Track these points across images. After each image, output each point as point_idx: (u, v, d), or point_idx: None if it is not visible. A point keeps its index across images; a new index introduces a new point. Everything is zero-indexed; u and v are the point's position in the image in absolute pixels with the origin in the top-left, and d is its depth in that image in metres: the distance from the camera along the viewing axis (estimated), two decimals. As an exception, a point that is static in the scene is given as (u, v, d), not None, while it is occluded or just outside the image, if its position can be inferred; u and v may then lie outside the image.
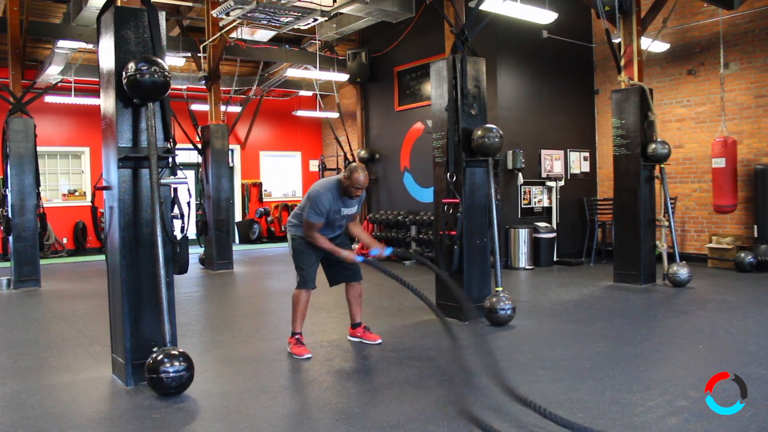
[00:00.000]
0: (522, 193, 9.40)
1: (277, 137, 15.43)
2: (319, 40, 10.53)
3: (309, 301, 4.58)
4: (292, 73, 11.77)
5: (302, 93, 14.45)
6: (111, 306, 4.01)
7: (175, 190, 4.03)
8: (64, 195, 12.84)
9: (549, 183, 9.67)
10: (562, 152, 9.94)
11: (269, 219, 15.02)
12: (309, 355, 4.38)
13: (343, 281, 4.71)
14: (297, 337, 4.51)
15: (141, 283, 3.83)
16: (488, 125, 5.52)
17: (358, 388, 3.71)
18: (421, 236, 10.10)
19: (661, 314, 5.66)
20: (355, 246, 4.37)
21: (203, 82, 10.04)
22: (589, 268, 8.95)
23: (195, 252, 9.17)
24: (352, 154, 12.07)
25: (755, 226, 8.20)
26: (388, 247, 4.56)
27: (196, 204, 9.51)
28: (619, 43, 7.52)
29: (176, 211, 4.02)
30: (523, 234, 9.06)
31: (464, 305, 5.25)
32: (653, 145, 7.15)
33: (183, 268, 4.08)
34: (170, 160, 3.91)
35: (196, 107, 11.41)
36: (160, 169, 3.77)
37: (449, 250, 5.51)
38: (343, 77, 11.71)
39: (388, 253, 4.51)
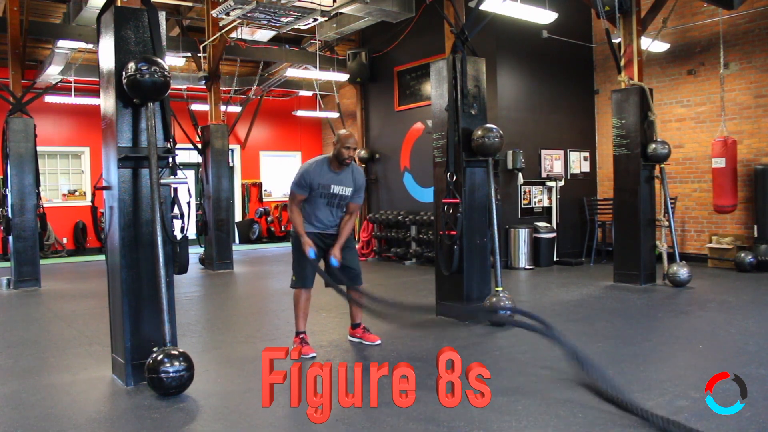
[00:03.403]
0: (522, 193, 9.40)
1: (277, 137, 15.43)
2: (319, 40, 10.53)
3: (310, 299, 4.56)
4: (292, 73, 11.77)
5: (302, 93, 14.46)
6: (111, 306, 4.00)
7: (175, 190, 4.03)
8: (64, 195, 12.84)
9: (549, 183, 9.67)
10: (562, 152, 9.94)
11: (269, 219, 15.02)
12: (314, 354, 4.38)
13: (342, 284, 4.69)
14: (301, 336, 4.51)
15: (141, 283, 3.83)
16: (488, 125, 5.52)
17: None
18: (421, 236, 10.10)
19: (661, 314, 5.66)
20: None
21: (203, 82, 10.04)
22: (589, 268, 8.95)
23: (195, 252, 9.17)
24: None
25: (755, 226, 8.20)
26: (334, 260, 4.45)
27: (196, 204, 9.51)
28: (619, 43, 7.52)
29: (176, 211, 4.02)
30: (523, 234, 9.06)
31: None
32: (653, 145, 7.15)
33: (183, 268, 4.08)
34: (170, 160, 3.90)
35: (196, 107, 11.41)
36: (160, 169, 3.77)
37: (449, 250, 5.51)
38: (343, 77, 11.71)
39: (334, 264, 4.44)
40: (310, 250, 4.34)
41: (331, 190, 4.44)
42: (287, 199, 4.68)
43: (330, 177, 4.42)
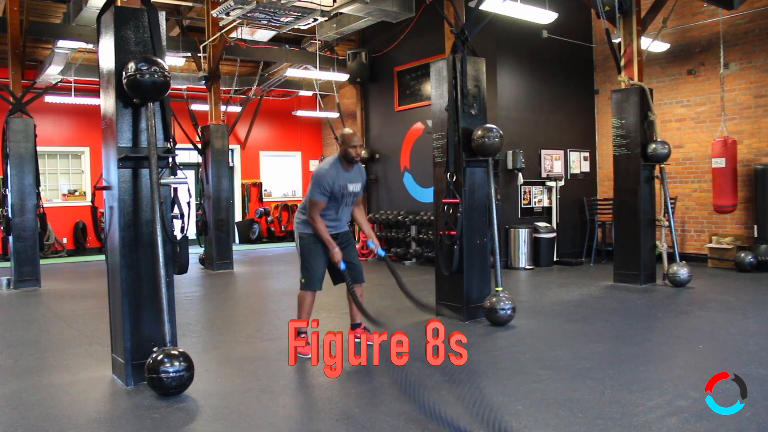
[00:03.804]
0: (522, 193, 9.40)
1: (277, 137, 15.43)
2: (319, 40, 10.53)
3: (314, 301, 4.58)
4: (292, 73, 11.77)
5: (302, 93, 14.46)
6: (111, 306, 4.00)
7: (175, 190, 4.03)
8: (64, 195, 12.84)
9: (549, 183, 9.67)
10: (562, 152, 9.94)
11: (269, 219, 15.01)
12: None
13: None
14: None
15: (141, 283, 3.83)
16: (488, 125, 5.52)
17: (358, 389, 3.71)
18: (421, 236, 10.10)
19: (661, 314, 5.66)
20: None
21: (203, 82, 10.04)
22: (589, 268, 8.95)
23: (195, 252, 9.17)
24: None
25: (755, 226, 8.20)
26: (382, 249, 4.68)
27: (196, 204, 9.51)
28: (619, 43, 7.52)
29: (176, 211, 4.02)
30: (523, 234, 9.06)
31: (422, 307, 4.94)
32: (653, 145, 7.15)
33: (183, 268, 4.09)
34: (170, 160, 3.91)
35: (196, 107, 11.41)
36: (160, 169, 3.77)
37: (449, 250, 5.51)
38: (343, 77, 11.71)
39: (381, 254, 4.64)
40: (342, 263, 4.42)
41: (348, 189, 4.50)
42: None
43: (346, 176, 4.48)
